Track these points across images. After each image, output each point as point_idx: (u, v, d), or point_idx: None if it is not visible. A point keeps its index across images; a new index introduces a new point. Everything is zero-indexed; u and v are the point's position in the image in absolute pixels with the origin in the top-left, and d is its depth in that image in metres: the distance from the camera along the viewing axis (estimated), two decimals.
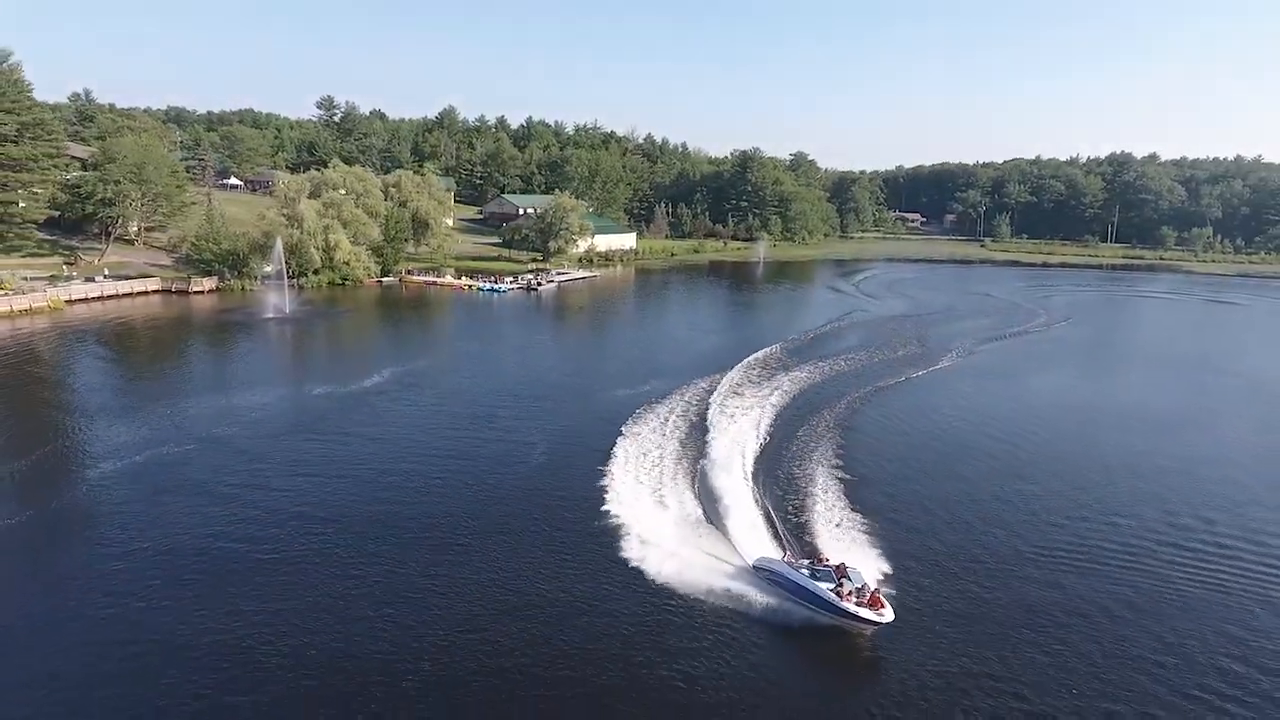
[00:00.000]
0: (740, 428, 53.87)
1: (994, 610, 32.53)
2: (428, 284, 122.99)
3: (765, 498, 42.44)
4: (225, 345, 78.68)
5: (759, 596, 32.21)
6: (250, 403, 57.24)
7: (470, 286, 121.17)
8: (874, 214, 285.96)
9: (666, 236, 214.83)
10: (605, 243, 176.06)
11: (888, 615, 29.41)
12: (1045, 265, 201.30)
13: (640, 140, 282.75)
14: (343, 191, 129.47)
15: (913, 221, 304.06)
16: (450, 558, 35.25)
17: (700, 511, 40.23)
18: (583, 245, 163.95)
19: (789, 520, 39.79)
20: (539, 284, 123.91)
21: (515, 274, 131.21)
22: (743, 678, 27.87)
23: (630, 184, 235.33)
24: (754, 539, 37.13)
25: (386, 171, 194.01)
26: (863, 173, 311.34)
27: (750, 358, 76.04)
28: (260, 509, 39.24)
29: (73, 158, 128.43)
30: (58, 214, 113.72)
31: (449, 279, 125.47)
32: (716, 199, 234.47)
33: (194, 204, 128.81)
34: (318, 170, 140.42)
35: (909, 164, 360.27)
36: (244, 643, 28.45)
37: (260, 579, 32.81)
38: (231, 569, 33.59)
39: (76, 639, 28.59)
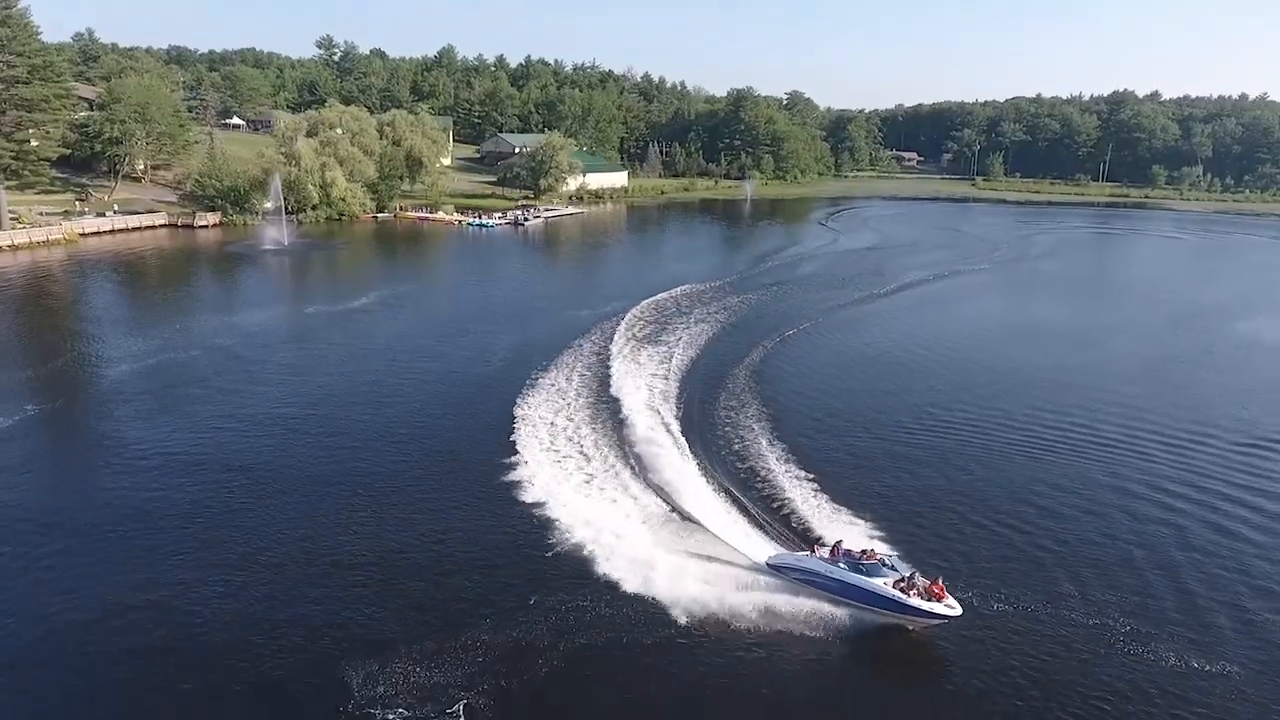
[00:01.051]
0: (664, 376, 52.74)
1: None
2: (420, 219, 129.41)
3: (717, 469, 39.34)
4: (226, 272, 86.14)
5: (785, 600, 28.57)
6: (247, 319, 64.72)
7: (460, 222, 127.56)
8: (870, 153, 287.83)
9: (660, 175, 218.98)
10: (597, 181, 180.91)
11: (957, 608, 26.63)
12: (1029, 203, 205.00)
13: (637, 80, 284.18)
14: (339, 131, 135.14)
15: (909, 160, 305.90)
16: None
17: (659, 502, 35.44)
18: (574, 183, 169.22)
19: (754, 492, 37.09)
20: (525, 219, 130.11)
21: (505, 210, 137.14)
22: (800, 700, 24.81)
23: (626, 123, 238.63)
24: (737, 528, 33.41)
25: (385, 111, 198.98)
26: (860, 112, 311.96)
27: (691, 286, 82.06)
28: (248, 405, 46.68)
29: (80, 98, 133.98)
30: (68, 153, 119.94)
31: (441, 215, 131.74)
32: (712, 138, 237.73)
33: (197, 143, 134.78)
34: (315, 110, 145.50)
35: (910, 103, 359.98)
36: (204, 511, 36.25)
37: (251, 460, 40.54)
38: (211, 455, 41.30)
39: (91, 501, 36.49)
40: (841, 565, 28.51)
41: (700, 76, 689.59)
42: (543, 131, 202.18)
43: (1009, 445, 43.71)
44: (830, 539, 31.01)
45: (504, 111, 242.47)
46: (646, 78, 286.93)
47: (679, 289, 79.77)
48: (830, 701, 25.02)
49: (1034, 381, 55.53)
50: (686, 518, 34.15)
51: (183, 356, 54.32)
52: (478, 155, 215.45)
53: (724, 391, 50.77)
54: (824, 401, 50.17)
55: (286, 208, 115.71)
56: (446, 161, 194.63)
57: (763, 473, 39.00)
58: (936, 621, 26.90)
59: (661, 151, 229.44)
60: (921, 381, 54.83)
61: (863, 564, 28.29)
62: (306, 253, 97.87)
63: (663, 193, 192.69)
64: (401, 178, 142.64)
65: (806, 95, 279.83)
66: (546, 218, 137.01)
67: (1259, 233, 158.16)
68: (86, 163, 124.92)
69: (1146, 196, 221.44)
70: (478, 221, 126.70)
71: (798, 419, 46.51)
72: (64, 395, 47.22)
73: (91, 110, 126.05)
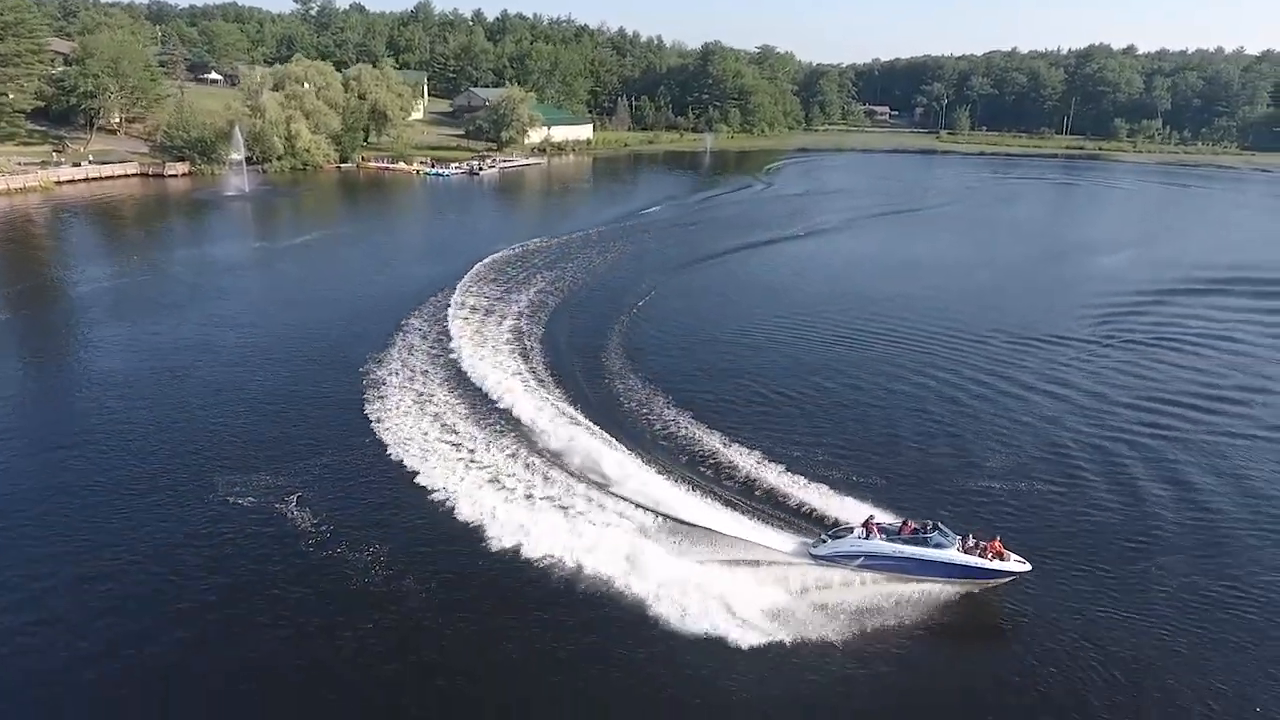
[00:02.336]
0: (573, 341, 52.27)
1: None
2: (381, 169, 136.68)
3: (651, 452, 36.63)
4: (189, 215, 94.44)
5: (852, 594, 27.57)
6: (202, 252, 73.41)
7: (419, 171, 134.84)
8: (842, 107, 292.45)
9: (629, 129, 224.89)
10: (562, 133, 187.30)
11: (1025, 562, 27.52)
12: (984, 155, 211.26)
13: (611, 34, 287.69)
14: (306, 86, 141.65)
15: (881, 115, 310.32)
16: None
17: (638, 509, 31.77)
18: (537, 135, 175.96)
19: (707, 472, 35.12)
20: (479, 170, 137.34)
21: (463, 161, 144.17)
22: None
23: (597, 76, 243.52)
24: (741, 523, 30.90)
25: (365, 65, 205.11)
26: (834, 66, 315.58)
27: (605, 228, 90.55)
28: (192, 321, 55.27)
29: (56, 53, 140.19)
30: (43, 105, 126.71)
31: (401, 165, 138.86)
32: (682, 92, 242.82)
33: (169, 96, 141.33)
34: (283, 65, 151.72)
35: (887, 57, 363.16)
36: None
37: (204, 368, 49.19)
38: (153, 366, 49.92)
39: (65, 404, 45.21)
40: (899, 541, 28.15)
41: (678, 31, 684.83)
42: (517, 85, 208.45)
43: (855, 355, 52.41)
44: (801, 507, 31.95)
45: (479, 66, 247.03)
46: (621, 32, 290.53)
47: (594, 229, 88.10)
48: (939, 677, 24.68)
49: (887, 303, 63.94)
50: (682, 522, 30.90)
51: (137, 281, 62.94)
52: (451, 110, 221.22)
53: (609, 349, 50.21)
54: (712, 351, 51.71)
55: (252, 158, 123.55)
56: (418, 115, 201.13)
57: (686, 445, 37.55)
58: (1005, 580, 27.72)
59: (631, 105, 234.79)
60: (810, 317, 59.85)
61: (923, 535, 28.13)
62: (265, 198, 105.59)
63: (626, 145, 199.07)
64: (366, 130, 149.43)
65: (778, 49, 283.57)
66: (503, 168, 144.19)
67: (1192, 182, 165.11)
68: (64, 115, 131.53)
69: (1100, 149, 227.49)
70: (434, 171, 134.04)
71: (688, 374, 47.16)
72: (25, 311, 55.86)
73: (67, 65, 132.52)
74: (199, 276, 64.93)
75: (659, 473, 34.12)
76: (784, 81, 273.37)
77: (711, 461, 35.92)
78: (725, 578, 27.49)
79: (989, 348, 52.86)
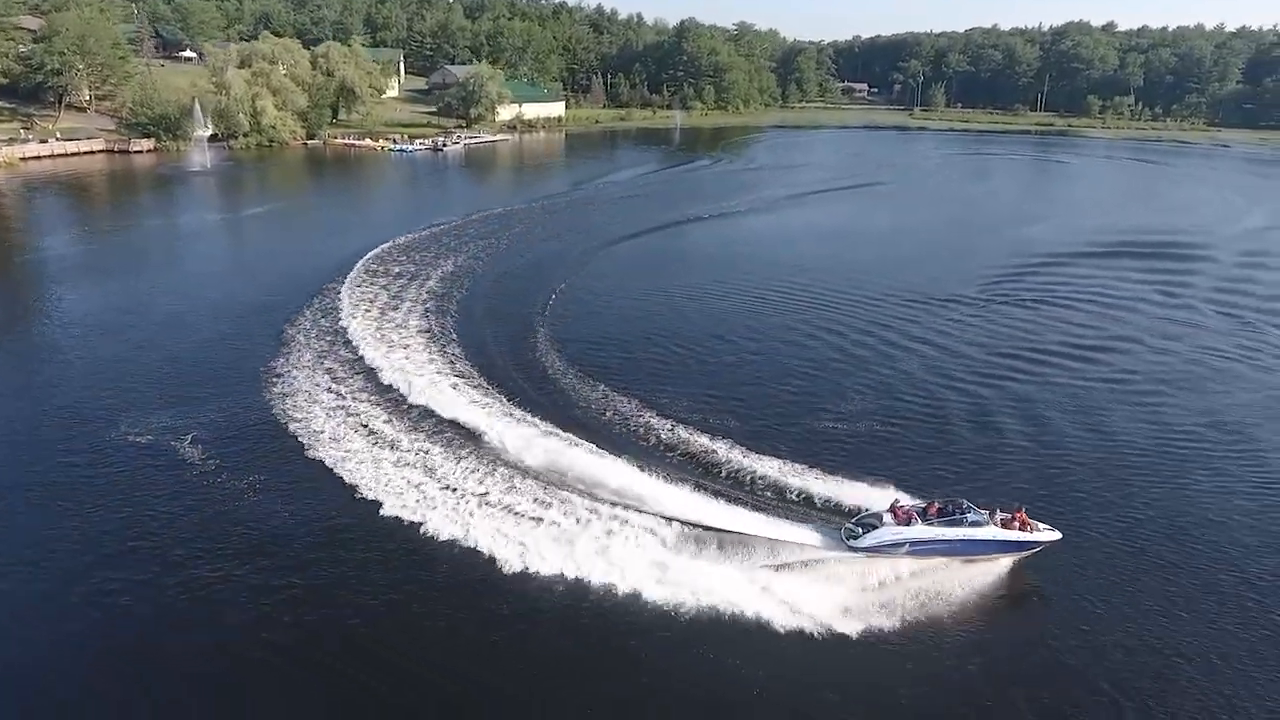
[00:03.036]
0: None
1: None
2: (347, 146, 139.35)
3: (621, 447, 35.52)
4: (147, 190, 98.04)
5: (901, 582, 27.85)
6: (153, 225, 77.20)
7: (384, 148, 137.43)
8: (819, 84, 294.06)
9: (604, 106, 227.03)
10: (534, 111, 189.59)
11: (1055, 530, 28.89)
12: (952, 131, 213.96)
13: (589, 11, 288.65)
14: (280, 67, 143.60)
15: (860, 92, 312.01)
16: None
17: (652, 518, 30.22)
18: (508, 112, 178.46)
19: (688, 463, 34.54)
20: (443, 146, 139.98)
21: (428, 137, 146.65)
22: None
23: (574, 54, 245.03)
24: (749, 513, 30.30)
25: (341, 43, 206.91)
26: (814, 44, 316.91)
27: (555, 199, 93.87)
28: (132, 287, 58.64)
29: (26, 30, 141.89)
30: (13, 83, 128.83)
31: (367, 141, 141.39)
32: (658, 69, 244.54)
33: (139, 74, 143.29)
34: (249, 43, 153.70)
35: (868, 34, 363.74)
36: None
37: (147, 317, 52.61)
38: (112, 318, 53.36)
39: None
40: (938, 523, 28.39)
41: (659, 8, 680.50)
42: (493, 63, 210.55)
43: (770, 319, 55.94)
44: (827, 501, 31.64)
45: (456, 43, 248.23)
46: (599, 9, 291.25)
47: (540, 201, 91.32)
48: (1014, 653, 25.35)
49: (800, 273, 67.29)
50: (694, 525, 29.66)
51: (94, 246, 66.65)
52: (427, 87, 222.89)
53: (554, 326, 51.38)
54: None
55: (219, 135, 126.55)
56: (393, 92, 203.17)
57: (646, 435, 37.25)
58: (1037, 550, 28.79)
59: (606, 83, 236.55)
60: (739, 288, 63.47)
61: (957, 514, 28.50)
62: (224, 174, 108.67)
63: (598, 122, 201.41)
64: (335, 107, 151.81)
65: (757, 26, 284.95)
66: (468, 144, 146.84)
67: (1148, 157, 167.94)
68: (33, 93, 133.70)
69: (1069, 125, 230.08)
70: (399, 147, 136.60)
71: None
72: None
73: (35, 43, 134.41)
74: (146, 246, 68.44)
75: (649, 475, 32.46)
76: (761, 59, 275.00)
77: (685, 453, 35.26)
78: (776, 581, 27.06)
79: (883, 308, 56.42)
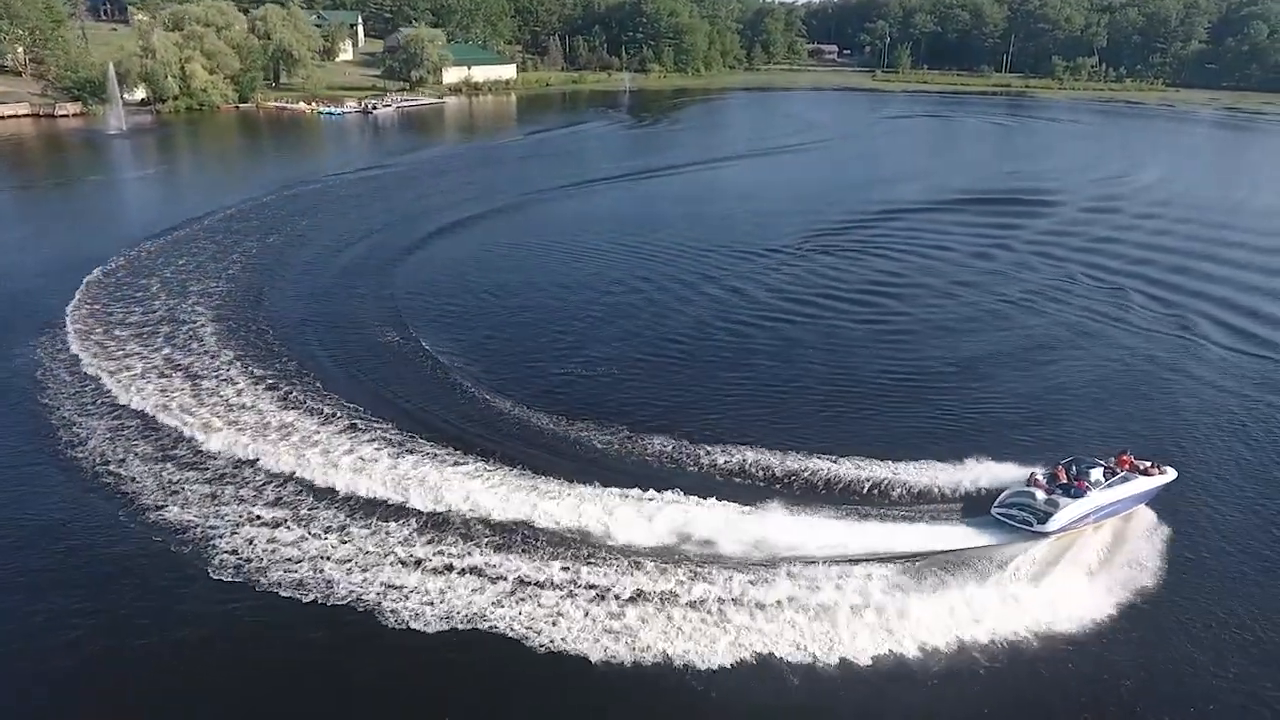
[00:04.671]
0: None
1: None
2: (278, 109, 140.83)
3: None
4: (62, 150, 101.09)
5: (1086, 551, 27.71)
6: (59, 177, 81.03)
7: (313, 111, 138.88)
8: (788, 46, 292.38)
9: (562, 69, 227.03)
10: (484, 73, 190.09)
11: (1171, 469, 29.98)
12: (906, 91, 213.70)
13: None
14: (213, 29, 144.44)
15: (830, 54, 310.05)
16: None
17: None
18: (457, 75, 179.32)
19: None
20: (374, 109, 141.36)
21: (360, 99, 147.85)
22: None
23: (536, 15, 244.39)
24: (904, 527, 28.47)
25: (303, 7, 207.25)
26: (783, 4, 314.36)
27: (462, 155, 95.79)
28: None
29: None
30: None
31: (302, 105, 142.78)
32: (620, 31, 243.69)
33: (74, 37, 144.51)
34: (181, 5, 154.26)
35: None
36: None
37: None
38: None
39: None
40: (1106, 486, 28.36)
41: None
42: (440, 25, 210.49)
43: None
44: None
45: (416, 6, 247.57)
46: None
47: (438, 160, 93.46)
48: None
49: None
50: (875, 558, 27.13)
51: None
52: (383, 50, 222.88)
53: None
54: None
55: (148, 100, 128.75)
56: (348, 55, 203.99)
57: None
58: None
59: (565, 45, 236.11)
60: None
61: (1114, 478, 28.68)
62: (138, 136, 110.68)
63: (549, 85, 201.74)
64: (277, 71, 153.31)
65: None
66: (403, 108, 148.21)
67: (1083, 118, 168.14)
68: None
69: (1026, 86, 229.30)
70: (328, 111, 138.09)
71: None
72: None
73: None
74: (47, 202, 71.98)
75: (777, 512, 28.82)
76: (727, 20, 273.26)
77: (746, 475, 31.76)
78: (1019, 589, 25.71)
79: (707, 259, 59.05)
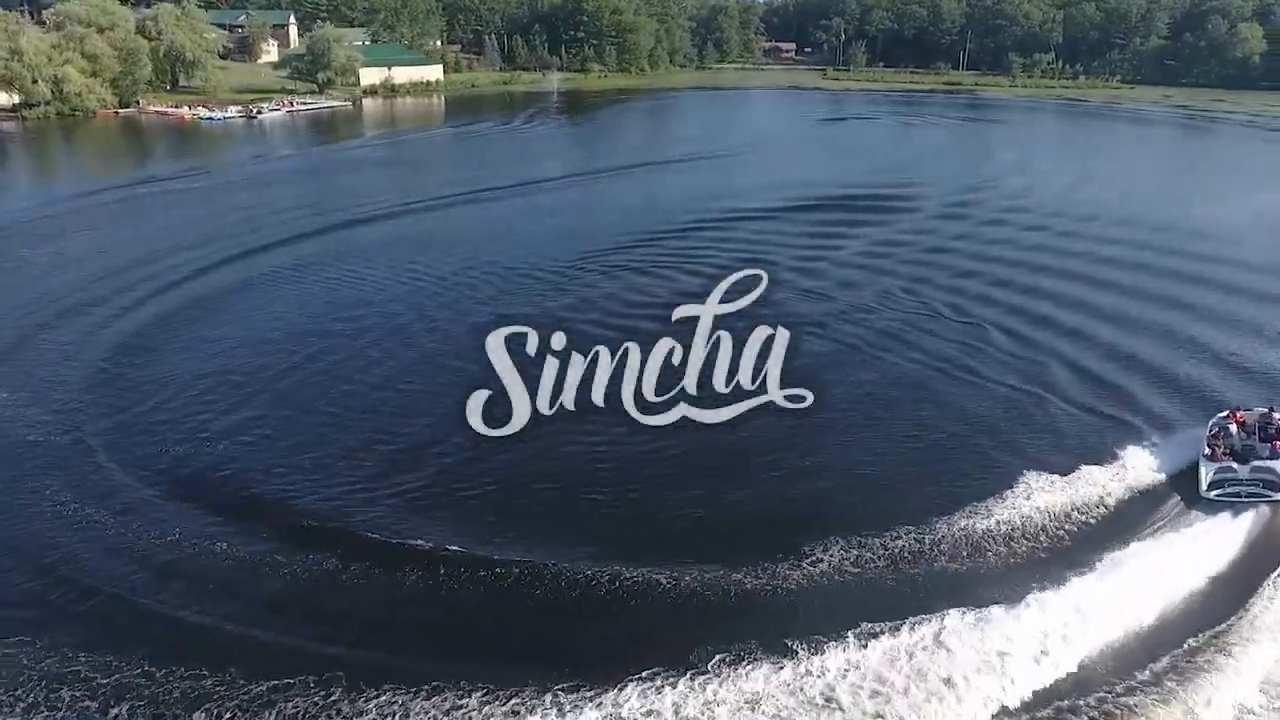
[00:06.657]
0: None
1: None
2: (159, 114, 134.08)
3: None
4: None
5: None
6: None
7: (194, 116, 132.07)
8: (743, 44, 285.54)
9: (500, 69, 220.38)
10: (407, 74, 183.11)
11: None
12: (853, 90, 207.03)
13: None
14: (94, 30, 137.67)
15: (787, 52, 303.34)
16: None
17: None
18: (376, 76, 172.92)
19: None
20: (258, 113, 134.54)
21: (246, 104, 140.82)
22: None
23: (477, 14, 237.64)
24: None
25: (234, 6, 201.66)
26: (739, 1, 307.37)
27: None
28: None
29: None
30: None
31: (184, 110, 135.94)
32: (562, 29, 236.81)
33: None
34: (62, 4, 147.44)
35: None
36: None
37: None
38: None
39: None
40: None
41: None
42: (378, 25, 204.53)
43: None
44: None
45: (355, 6, 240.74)
46: None
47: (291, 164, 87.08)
48: None
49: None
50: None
51: None
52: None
53: None
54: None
55: (17, 105, 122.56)
56: (272, 56, 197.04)
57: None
58: None
59: (503, 45, 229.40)
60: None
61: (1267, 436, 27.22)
62: None
63: (474, 86, 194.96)
64: (173, 73, 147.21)
65: None
66: (295, 111, 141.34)
67: (1010, 116, 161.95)
68: None
69: (976, 84, 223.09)
70: (208, 116, 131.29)
71: None
72: None
73: None
74: None
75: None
76: (679, 18, 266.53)
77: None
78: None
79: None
